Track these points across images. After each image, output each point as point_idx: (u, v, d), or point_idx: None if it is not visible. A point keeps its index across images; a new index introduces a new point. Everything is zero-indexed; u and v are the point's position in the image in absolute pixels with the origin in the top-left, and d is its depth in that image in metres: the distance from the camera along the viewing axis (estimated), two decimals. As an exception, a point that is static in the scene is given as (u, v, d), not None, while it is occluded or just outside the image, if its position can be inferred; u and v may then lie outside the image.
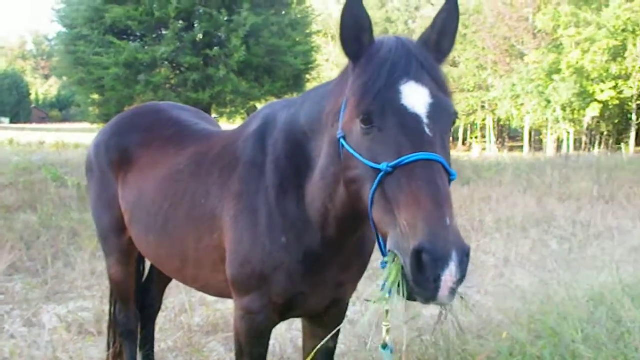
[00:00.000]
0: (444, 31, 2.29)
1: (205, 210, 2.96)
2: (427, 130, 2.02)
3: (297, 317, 3.08)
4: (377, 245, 2.28)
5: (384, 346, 2.30)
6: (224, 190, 2.88)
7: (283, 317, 2.90)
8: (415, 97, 2.06)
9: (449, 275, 1.80)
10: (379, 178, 2.01)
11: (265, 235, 2.68)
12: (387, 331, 2.29)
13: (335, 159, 2.37)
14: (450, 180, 2.04)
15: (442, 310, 2.18)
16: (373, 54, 2.17)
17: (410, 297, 1.93)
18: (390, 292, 1.97)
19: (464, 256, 1.83)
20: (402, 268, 1.92)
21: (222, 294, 3.16)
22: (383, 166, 2.00)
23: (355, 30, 2.21)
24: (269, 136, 2.82)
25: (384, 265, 2.02)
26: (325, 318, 3.02)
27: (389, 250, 1.98)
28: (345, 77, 2.34)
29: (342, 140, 2.22)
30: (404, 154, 1.97)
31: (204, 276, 3.13)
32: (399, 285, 1.93)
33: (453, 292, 1.84)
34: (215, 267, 2.98)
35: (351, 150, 2.16)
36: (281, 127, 2.77)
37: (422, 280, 1.83)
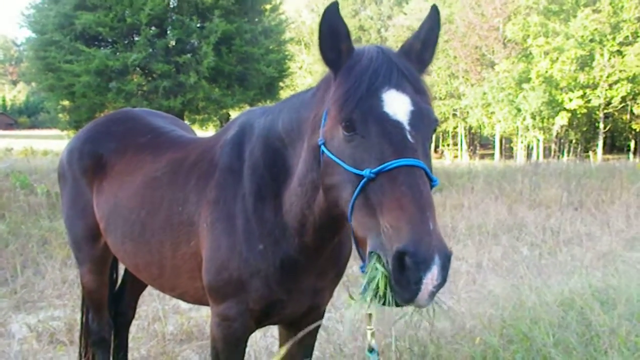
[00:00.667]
0: (427, 42, 2.34)
1: (183, 218, 2.95)
2: (409, 136, 2.05)
3: (274, 324, 3.09)
4: (353, 253, 2.30)
5: (370, 350, 2.34)
6: (201, 197, 2.88)
7: (260, 323, 2.90)
8: (396, 104, 2.10)
9: (431, 278, 1.82)
10: (361, 184, 2.04)
11: (242, 242, 2.68)
12: (372, 335, 2.34)
13: (314, 166, 2.39)
14: (432, 186, 2.07)
15: (418, 315, 2.20)
16: (354, 62, 2.20)
17: (389, 301, 1.95)
18: (369, 293, 1.97)
19: (446, 260, 1.86)
20: (384, 270, 1.93)
21: (199, 301, 3.14)
22: (366, 172, 2.02)
23: (333, 40, 2.24)
24: (246, 143, 2.83)
25: (363, 268, 2.04)
26: (302, 325, 3.03)
27: (370, 252, 2.00)
28: (325, 85, 2.37)
29: (322, 147, 2.24)
30: (387, 160, 2.00)
31: (181, 284, 3.11)
32: (378, 287, 1.95)
33: (432, 295, 1.87)
34: (192, 274, 2.97)
35: (332, 157, 2.18)
36: (258, 134, 2.78)
37: (403, 281, 1.86)
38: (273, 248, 2.65)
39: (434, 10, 2.37)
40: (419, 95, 2.17)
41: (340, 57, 2.25)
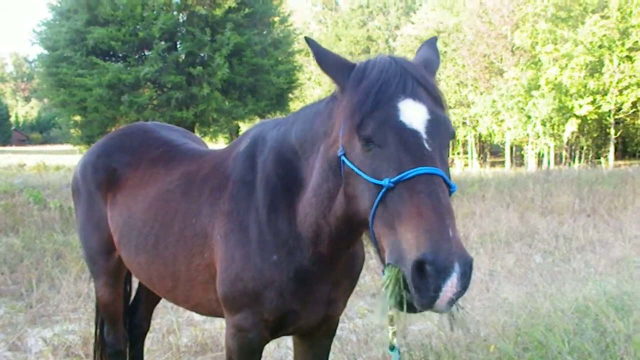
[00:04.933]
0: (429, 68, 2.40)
1: (197, 230, 2.97)
2: (426, 145, 2.07)
3: (289, 334, 3.10)
4: (366, 263, 2.32)
5: (392, 348, 2.37)
6: (215, 209, 2.90)
7: (275, 334, 2.91)
8: (413, 113, 2.11)
9: (450, 286, 1.83)
10: (381, 193, 2.05)
11: (256, 253, 2.69)
12: (393, 334, 2.36)
13: (330, 176, 2.42)
14: (450, 193, 2.09)
15: (450, 319, 2.18)
16: (363, 74, 2.23)
17: (409, 309, 1.97)
18: (388, 300, 2.00)
19: (467, 268, 1.86)
20: (402, 279, 1.95)
21: (213, 312, 3.16)
22: (385, 182, 2.04)
23: (333, 69, 2.35)
24: (259, 155, 2.85)
25: (384, 272, 2.06)
26: (316, 335, 3.04)
27: (388, 264, 2.01)
28: (338, 96, 2.40)
29: (343, 157, 2.27)
30: (405, 169, 2.01)
31: (195, 295, 3.13)
32: (397, 296, 1.97)
33: (452, 302, 1.87)
34: (206, 286, 2.99)
35: (353, 167, 2.20)
36: (271, 146, 2.80)
37: (422, 288, 1.87)
38: (287, 259, 2.66)
39: (434, 41, 2.50)
40: (435, 103, 2.20)
41: (344, 74, 2.31)
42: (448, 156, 2.21)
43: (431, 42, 2.50)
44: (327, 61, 2.38)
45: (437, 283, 1.83)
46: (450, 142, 2.25)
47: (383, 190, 2.05)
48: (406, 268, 1.91)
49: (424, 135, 2.08)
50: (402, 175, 2.01)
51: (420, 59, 2.42)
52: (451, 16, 49.77)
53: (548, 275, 7.45)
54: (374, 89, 2.15)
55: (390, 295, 1.98)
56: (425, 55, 2.45)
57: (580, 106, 38.99)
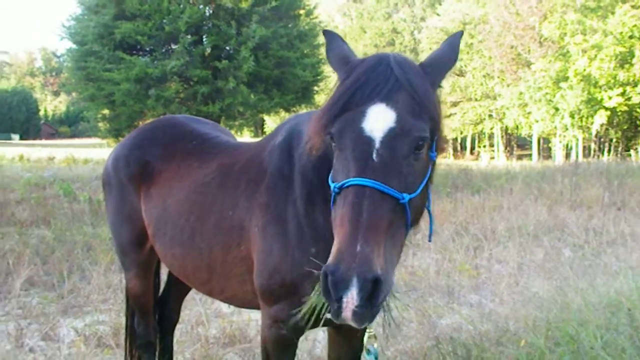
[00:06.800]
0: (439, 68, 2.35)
1: (233, 222, 2.99)
2: (374, 155, 2.05)
3: (324, 325, 3.11)
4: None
5: (368, 352, 2.45)
6: (252, 201, 2.92)
7: (310, 326, 2.92)
8: (375, 120, 2.09)
9: (350, 298, 1.85)
10: (332, 197, 2.15)
11: (294, 245, 2.71)
12: (369, 337, 2.46)
13: None
14: (404, 205, 2.05)
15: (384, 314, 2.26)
16: (349, 72, 2.24)
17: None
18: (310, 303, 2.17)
19: (366, 282, 1.84)
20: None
21: (248, 304, 3.18)
22: (332, 186, 2.13)
23: (336, 63, 2.39)
24: (295, 148, 2.86)
25: None
26: (351, 327, 3.04)
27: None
28: None
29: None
30: (349, 177, 2.05)
31: (231, 287, 3.15)
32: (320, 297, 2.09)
33: (357, 314, 1.87)
34: (242, 277, 3.01)
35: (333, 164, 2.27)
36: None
37: (327, 298, 1.93)
38: (325, 251, 2.66)
39: (457, 37, 2.44)
40: (417, 108, 2.13)
41: (342, 68, 2.32)
42: (414, 164, 2.13)
43: (453, 39, 2.42)
44: (332, 55, 2.41)
45: (336, 294, 1.87)
46: (422, 148, 2.13)
47: (333, 194, 2.13)
48: None
49: (377, 144, 2.06)
50: (342, 182, 2.07)
51: (432, 57, 2.36)
52: (477, 7, 49.19)
53: (578, 269, 7.35)
54: (350, 90, 2.14)
55: (316, 295, 2.13)
56: (439, 52, 2.38)
57: (610, 98, 38.34)
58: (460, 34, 2.46)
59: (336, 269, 1.86)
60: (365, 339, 2.44)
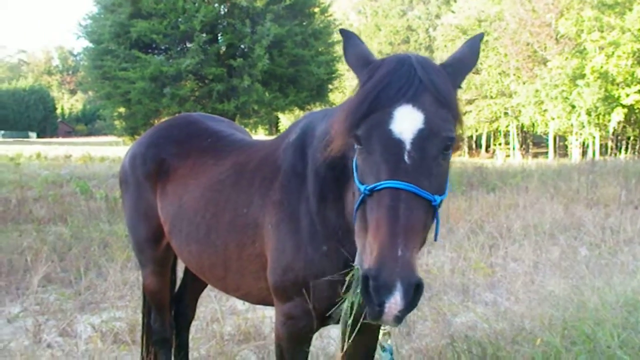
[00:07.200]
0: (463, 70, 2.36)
1: (248, 219, 3.01)
2: (406, 157, 2.04)
3: (337, 322, 3.11)
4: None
5: (383, 349, 2.44)
6: (266, 199, 2.94)
7: (323, 323, 2.93)
8: (404, 121, 2.07)
9: (394, 303, 1.86)
10: (360, 198, 2.12)
11: (307, 243, 2.72)
12: (384, 334, 2.45)
13: None
14: (436, 207, 2.08)
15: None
16: (371, 73, 2.21)
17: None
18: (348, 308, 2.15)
19: (410, 288, 1.86)
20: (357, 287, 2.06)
21: (263, 301, 3.20)
22: (362, 188, 2.10)
23: (354, 64, 2.36)
24: (309, 146, 2.87)
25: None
26: (363, 324, 3.04)
27: (356, 265, 2.11)
28: None
29: (356, 154, 2.29)
30: (380, 179, 2.03)
31: (246, 284, 3.18)
32: (356, 298, 2.11)
33: (398, 318, 1.89)
34: (257, 274, 3.03)
35: (353, 165, 2.27)
36: (320, 136, 2.81)
37: (368, 301, 1.92)
38: (337, 249, 2.68)
39: (478, 39, 2.44)
40: (442, 109, 2.12)
41: (362, 69, 2.30)
42: (442, 165, 2.14)
43: (474, 41, 2.42)
44: (350, 55, 2.39)
45: (379, 299, 1.87)
46: (450, 151, 2.15)
47: (361, 196, 2.10)
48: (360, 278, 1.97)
49: (408, 146, 2.05)
50: (374, 185, 2.04)
51: (452, 58, 2.36)
52: (493, 4, 48.86)
53: (595, 268, 7.30)
54: (374, 91, 2.12)
55: (351, 296, 2.12)
56: (459, 54, 2.38)
57: (627, 95, 37.99)
58: (480, 36, 2.46)
59: (378, 274, 1.86)
60: (380, 336, 2.45)
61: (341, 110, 2.27)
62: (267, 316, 5.81)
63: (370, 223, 2.02)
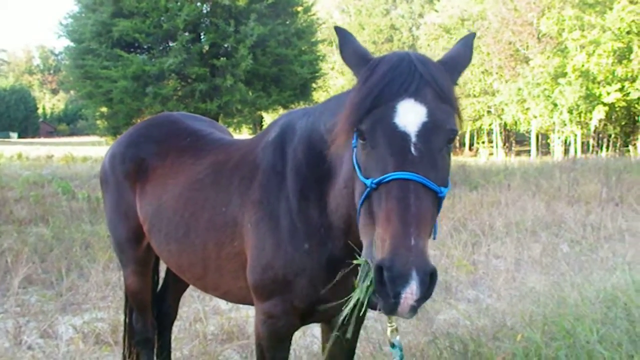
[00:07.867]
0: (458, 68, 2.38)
1: (227, 218, 3.00)
2: (412, 149, 2.05)
3: (318, 321, 3.12)
4: None
5: (392, 345, 2.43)
6: (245, 198, 2.93)
7: (304, 321, 2.94)
8: (408, 115, 2.09)
9: (410, 293, 1.85)
10: (365, 193, 2.11)
11: (287, 241, 2.72)
12: (392, 332, 2.44)
13: None
14: (440, 199, 2.09)
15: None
16: (372, 69, 2.22)
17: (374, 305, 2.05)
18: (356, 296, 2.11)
19: (426, 276, 1.87)
20: (368, 281, 2.04)
21: (243, 300, 3.20)
22: (368, 182, 2.09)
23: (353, 61, 2.36)
24: (288, 144, 2.87)
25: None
26: (344, 323, 3.06)
27: (363, 260, 2.09)
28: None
29: (354, 150, 2.30)
30: (387, 172, 2.03)
31: (225, 283, 3.17)
32: (367, 292, 2.06)
33: (414, 309, 1.89)
34: (236, 274, 3.02)
35: (354, 162, 2.26)
36: (300, 135, 2.81)
37: (383, 294, 1.91)
38: (318, 247, 2.68)
39: (471, 38, 2.48)
40: (443, 103, 2.15)
41: (360, 66, 2.31)
42: (446, 158, 2.17)
43: (467, 39, 2.46)
44: (348, 52, 2.39)
45: (395, 290, 1.86)
46: (451, 143, 2.19)
47: (367, 190, 2.09)
48: (372, 270, 1.97)
49: (413, 139, 2.06)
50: (381, 177, 2.04)
51: (447, 56, 2.39)
52: (475, 3, 49.14)
53: (575, 264, 7.38)
54: (377, 87, 2.14)
55: (362, 291, 2.07)
56: (454, 52, 2.41)
57: (608, 93, 38.41)
58: (473, 35, 2.50)
59: (392, 264, 1.85)
60: (388, 332, 2.44)
61: (347, 106, 2.26)
62: (250, 315, 5.80)
63: (379, 215, 2.01)
